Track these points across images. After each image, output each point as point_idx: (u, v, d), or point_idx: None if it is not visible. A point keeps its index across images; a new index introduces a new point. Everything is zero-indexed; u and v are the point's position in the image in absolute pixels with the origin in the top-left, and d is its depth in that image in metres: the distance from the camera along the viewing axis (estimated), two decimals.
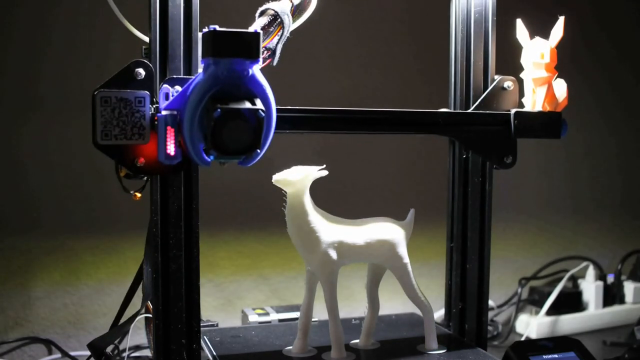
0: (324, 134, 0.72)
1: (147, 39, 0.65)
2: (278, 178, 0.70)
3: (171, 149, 0.60)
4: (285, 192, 0.71)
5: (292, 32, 0.70)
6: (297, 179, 0.70)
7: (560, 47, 0.75)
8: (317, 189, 0.72)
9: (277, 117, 0.62)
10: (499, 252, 1.28)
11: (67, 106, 0.99)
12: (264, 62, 0.68)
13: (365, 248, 0.72)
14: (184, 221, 0.66)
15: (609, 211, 1.43)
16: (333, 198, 0.76)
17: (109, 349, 0.75)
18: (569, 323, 1.15)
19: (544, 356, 0.73)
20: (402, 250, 0.74)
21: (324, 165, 0.71)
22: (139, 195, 0.66)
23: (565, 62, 0.77)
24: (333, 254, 0.71)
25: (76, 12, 0.99)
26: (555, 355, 0.74)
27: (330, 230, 0.71)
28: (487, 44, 0.79)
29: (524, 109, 0.77)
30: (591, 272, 1.21)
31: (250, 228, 1.11)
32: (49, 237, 1.00)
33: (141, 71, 0.61)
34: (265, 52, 0.68)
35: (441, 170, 0.88)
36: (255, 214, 1.10)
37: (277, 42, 0.69)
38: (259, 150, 0.60)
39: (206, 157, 0.59)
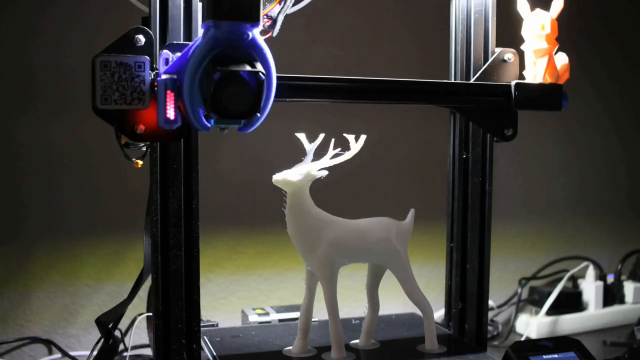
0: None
1: (146, 9, 0.65)
2: (278, 178, 0.70)
3: (171, 112, 0.59)
4: (285, 192, 0.71)
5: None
6: (296, 179, 0.70)
7: (561, 45, 0.75)
8: (317, 189, 0.72)
9: (277, 84, 0.61)
10: (499, 252, 1.28)
11: (64, 105, 0.99)
12: (265, 33, 0.68)
13: (365, 248, 0.72)
14: (184, 221, 0.66)
15: (609, 211, 1.43)
16: (333, 198, 0.76)
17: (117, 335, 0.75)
18: (569, 323, 1.15)
19: (544, 356, 0.73)
20: (402, 251, 0.74)
21: (324, 165, 0.71)
22: (140, 162, 0.66)
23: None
24: (333, 254, 0.71)
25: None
26: (555, 355, 0.74)
27: (330, 230, 0.71)
28: (488, 16, 0.79)
29: (525, 81, 0.76)
30: (591, 272, 1.21)
31: (250, 228, 1.11)
32: (49, 238, 1.00)
33: (141, 38, 0.61)
34: (266, 20, 0.67)
35: (441, 171, 0.88)
36: (255, 214, 1.10)
37: (279, 12, 0.68)
38: (259, 115, 0.59)
39: (206, 122, 0.59)
